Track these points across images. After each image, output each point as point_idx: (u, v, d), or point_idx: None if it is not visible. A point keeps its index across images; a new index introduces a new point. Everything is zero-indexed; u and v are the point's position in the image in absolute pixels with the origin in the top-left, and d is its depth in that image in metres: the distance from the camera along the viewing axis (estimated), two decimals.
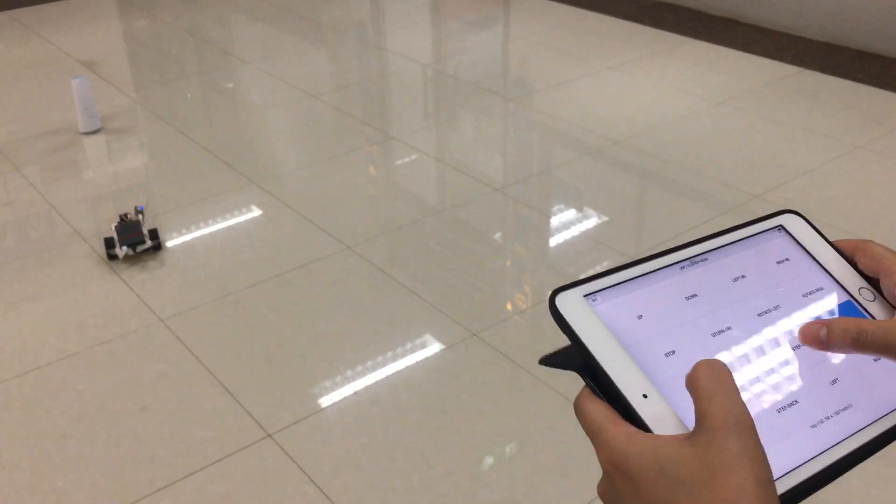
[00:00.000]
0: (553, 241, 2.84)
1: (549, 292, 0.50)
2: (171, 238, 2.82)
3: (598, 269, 2.65)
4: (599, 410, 0.46)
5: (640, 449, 0.43)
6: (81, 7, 5.19)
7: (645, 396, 0.46)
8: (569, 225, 2.88)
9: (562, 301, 0.49)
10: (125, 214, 2.73)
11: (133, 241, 2.62)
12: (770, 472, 0.41)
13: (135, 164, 3.38)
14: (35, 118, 3.67)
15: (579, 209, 2.95)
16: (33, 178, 3.18)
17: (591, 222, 2.86)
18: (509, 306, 2.45)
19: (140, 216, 2.74)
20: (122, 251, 2.60)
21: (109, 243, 2.64)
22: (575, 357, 0.48)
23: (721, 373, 0.44)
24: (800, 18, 4.36)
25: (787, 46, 4.23)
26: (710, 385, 0.43)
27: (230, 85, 4.19)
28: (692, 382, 0.44)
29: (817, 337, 0.51)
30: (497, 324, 2.34)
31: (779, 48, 4.21)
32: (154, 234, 2.68)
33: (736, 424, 0.41)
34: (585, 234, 2.79)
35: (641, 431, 0.45)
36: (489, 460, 1.93)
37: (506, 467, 1.92)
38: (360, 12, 5.19)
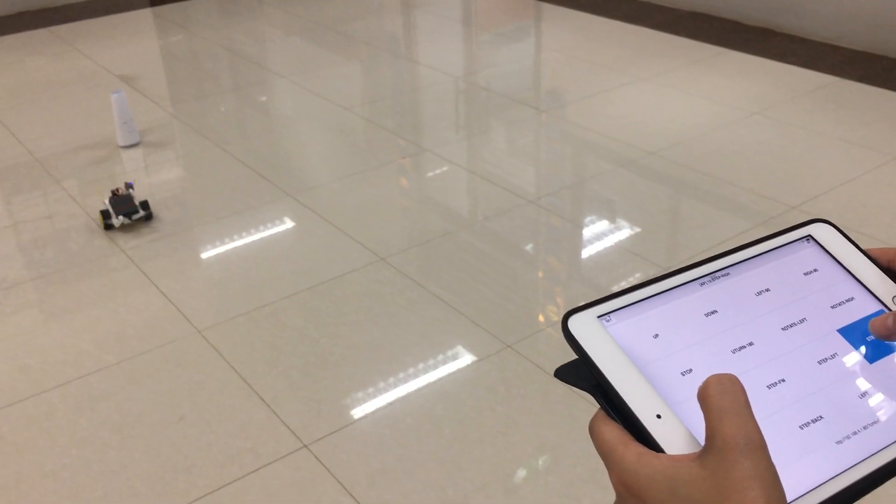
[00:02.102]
0: (586, 253, 2.83)
1: (566, 312, 0.50)
2: (207, 250, 2.86)
3: (632, 281, 2.63)
4: (612, 432, 0.46)
5: (650, 470, 0.43)
6: (119, 23, 5.29)
7: (659, 417, 0.46)
8: (602, 236, 2.87)
9: (574, 323, 0.49)
10: (116, 189, 2.97)
11: (127, 211, 2.89)
12: (782, 493, 0.41)
13: (172, 176, 3.43)
14: (75, 132, 3.74)
15: (613, 221, 2.94)
16: (73, 191, 3.23)
17: (625, 234, 2.84)
18: (541, 318, 2.45)
19: (130, 190, 2.98)
20: (118, 220, 2.87)
21: (106, 215, 2.89)
22: (588, 377, 0.48)
23: (732, 389, 0.43)
24: (837, 28, 4.31)
25: (824, 56, 4.18)
26: (721, 402, 0.42)
27: (265, 98, 4.24)
28: (702, 398, 0.43)
29: (885, 325, 0.51)
30: (531, 335, 2.33)
31: (815, 58, 4.16)
32: (145, 205, 2.93)
33: (746, 445, 0.41)
34: (619, 246, 2.77)
35: (652, 452, 0.44)
36: (524, 472, 1.92)
37: (541, 479, 1.91)
38: (393, 26, 5.23)
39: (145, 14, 5.48)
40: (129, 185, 3.00)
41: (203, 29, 5.21)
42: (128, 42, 4.95)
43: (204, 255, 2.84)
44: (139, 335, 2.39)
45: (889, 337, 0.52)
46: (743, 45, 4.38)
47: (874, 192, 2.98)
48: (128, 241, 2.86)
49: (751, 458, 0.40)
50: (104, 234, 2.91)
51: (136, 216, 2.89)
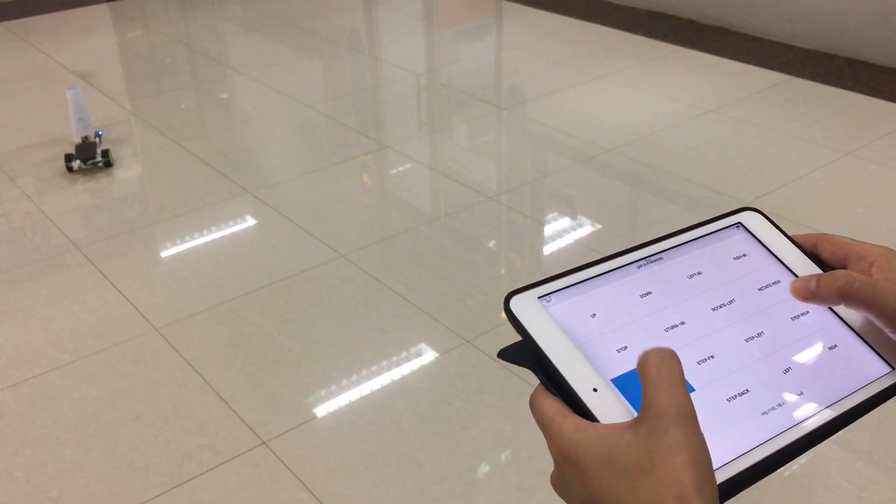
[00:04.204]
0: (546, 249, 2.86)
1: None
2: (165, 247, 2.84)
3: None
4: (551, 405, 0.48)
5: (586, 438, 0.45)
6: (76, 18, 5.21)
7: (595, 390, 0.48)
8: (562, 233, 2.90)
9: (516, 303, 0.52)
10: (86, 137, 3.29)
11: (86, 157, 3.22)
12: (709, 459, 0.43)
13: (129, 174, 3.39)
14: (29, 129, 3.68)
15: (572, 217, 2.97)
16: (28, 188, 3.19)
17: (585, 230, 2.88)
18: (503, 314, 2.47)
19: (97, 139, 3.33)
20: (76, 164, 3.21)
21: (68, 158, 3.24)
22: (529, 354, 0.51)
23: (669, 362, 0.45)
24: (790, 27, 4.39)
25: (778, 55, 4.26)
26: (658, 374, 0.45)
27: (225, 95, 4.21)
28: (642, 369, 0.46)
29: (807, 287, 0.54)
30: (490, 330, 2.35)
31: (769, 56, 4.24)
32: (105, 153, 3.28)
33: (677, 413, 0.43)
34: (578, 242, 2.81)
35: (588, 422, 0.47)
36: (482, 466, 1.94)
37: (499, 472, 1.93)
38: (354, 22, 5.22)
39: (102, 9, 5.41)
40: (97, 134, 3.35)
41: (161, 24, 5.15)
42: (84, 37, 4.88)
43: (162, 253, 2.82)
44: (95, 333, 2.37)
45: (809, 299, 0.55)
46: (698, 44, 4.45)
47: (825, 187, 3.05)
48: (85, 240, 2.82)
49: (681, 427, 0.43)
50: (58, 231, 2.87)
51: (90, 161, 3.21)
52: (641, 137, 3.45)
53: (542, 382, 0.50)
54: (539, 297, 0.53)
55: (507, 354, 0.52)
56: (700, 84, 3.98)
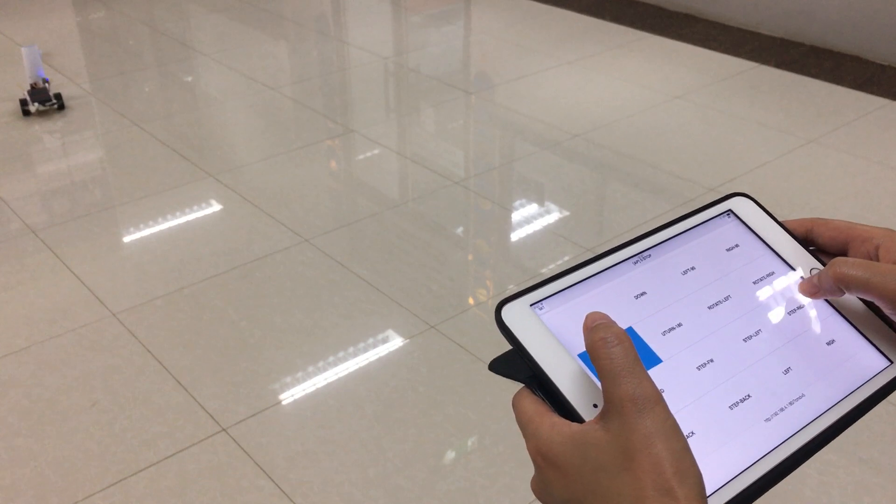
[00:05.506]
0: (513, 235, 2.84)
1: (501, 298, 0.49)
2: (124, 232, 2.78)
3: (557, 262, 2.62)
4: (531, 405, 0.47)
5: (562, 438, 0.44)
6: None
7: (595, 406, 0.46)
8: (529, 218, 2.89)
9: (508, 313, 0.48)
10: (34, 83, 3.49)
11: (41, 99, 3.45)
12: (684, 441, 0.42)
13: (90, 157, 3.32)
14: None
15: (539, 203, 2.96)
16: None
17: (552, 216, 2.87)
18: (471, 300, 2.45)
19: (46, 84, 3.51)
20: (34, 107, 3.44)
21: (24, 103, 3.46)
22: (524, 368, 0.48)
23: (620, 347, 0.44)
24: (756, 15, 4.41)
25: (744, 42, 4.28)
26: (612, 365, 0.43)
27: (188, 77, 4.13)
28: (593, 358, 0.44)
29: (812, 283, 0.53)
30: (455, 316, 2.33)
31: (735, 44, 4.26)
32: (58, 96, 3.51)
33: (644, 403, 0.42)
34: (545, 228, 2.80)
35: (565, 421, 0.45)
36: (446, 452, 1.93)
37: (463, 459, 1.92)
38: (321, 5, 5.15)
39: None
40: (45, 80, 3.50)
41: (123, 5, 5.04)
42: (44, 17, 4.76)
43: (121, 237, 2.76)
44: (50, 318, 2.31)
45: (816, 294, 0.53)
46: (666, 31, 4.45)
47: (789, 173, 3.06)
48: (41, 224, 2.75)
49: (649, 416, 0.42)
50: (15, 215, 2.80)
51: (48, 103, 3.45)
52: (608, 123, 3.45)
53: (539, 397, 0.47)
54: (531, 305, 0.49)
55: (499, 367, 0.49)
56: (667, 70, 3.98)
